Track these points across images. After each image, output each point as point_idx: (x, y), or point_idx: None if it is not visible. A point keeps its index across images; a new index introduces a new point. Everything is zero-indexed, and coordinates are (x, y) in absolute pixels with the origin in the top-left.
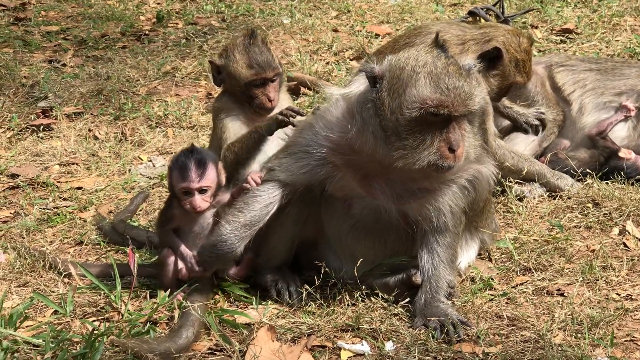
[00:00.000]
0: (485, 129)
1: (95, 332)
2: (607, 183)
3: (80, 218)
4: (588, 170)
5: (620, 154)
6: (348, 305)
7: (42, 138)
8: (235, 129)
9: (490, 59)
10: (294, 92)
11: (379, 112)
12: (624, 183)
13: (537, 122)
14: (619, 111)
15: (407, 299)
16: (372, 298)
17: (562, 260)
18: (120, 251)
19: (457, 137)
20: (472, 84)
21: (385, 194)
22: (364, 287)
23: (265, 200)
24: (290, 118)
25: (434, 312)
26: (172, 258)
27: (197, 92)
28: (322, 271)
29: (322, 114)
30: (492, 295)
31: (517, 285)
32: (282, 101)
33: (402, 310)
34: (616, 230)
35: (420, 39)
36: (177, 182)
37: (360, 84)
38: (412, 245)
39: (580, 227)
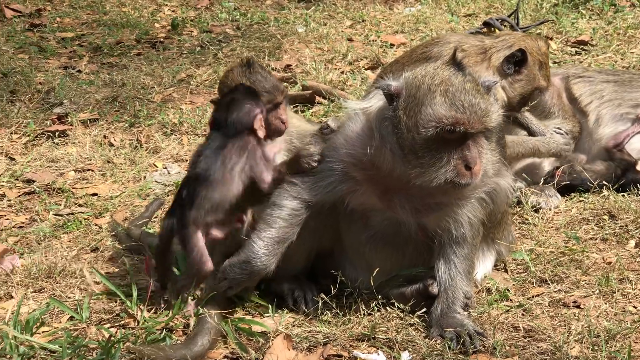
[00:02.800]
0: (503, 144)
1: (112, 338)
2: (623, 195)
3: (96, 224)
4: (604, 182)
5: (638, 167)
6: (364, 314)
7: (57, 144)
8: None
9: (515, 63)
10: (309, 101)
11: (396, 130)
12: None
13: (558, 134)
14: (635, 123)
15: (424, 309)
16: (388, 308)
17: (579, 272)
18: (136, 257)
19: (474, 154)
20: (489, 100)
21: (404, 209)
22: (380, 296)
23: (292, 218)
24: (313, 164)
25: (451, 322)
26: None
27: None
28: (339, 280)
29: (342, 129)
30: (508, 306)
31: (533, 296)
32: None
33: (418, 321)
34: (632, 242)
35: (438, 49)
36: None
37: (379, 99)
38: (429, 256)
39: (596, 239)
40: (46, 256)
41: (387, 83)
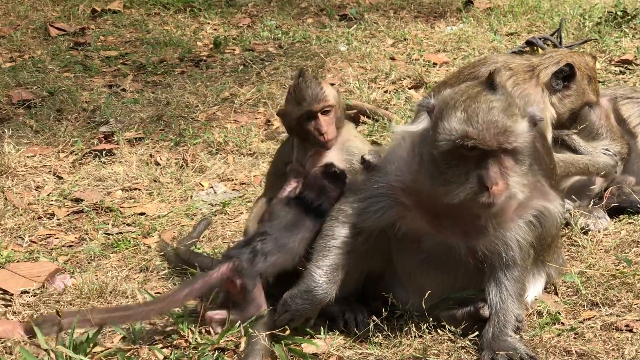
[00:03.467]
0: (552, 168)
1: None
2: None
3: (144, 244)
4: None
5: None
6: (415, 337)
7: (104, 163)
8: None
9: (564, 78)
10: (353, 120)
11: (428, 147)
12: None
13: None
14: None
15: (476, 333)
16: (439, 330)
17: (630, 295)
18: (185, 279)
19: (493, 173)
20: (513, 121)
21: (453, 232)
22: (431, 319)
23: (346, 246)
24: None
25: (502, 346)
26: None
27: (256, 118)
28: (390, 302)
29: (390, 153)
30: (559, 329)
31: (584, 320)
32: (349, 135)
33: (469, 344)
34: None
35: (485, 69)
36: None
37: (423, 121)
38: (480, 279)
39: None
40: (97, 276)
41: (427, 100)
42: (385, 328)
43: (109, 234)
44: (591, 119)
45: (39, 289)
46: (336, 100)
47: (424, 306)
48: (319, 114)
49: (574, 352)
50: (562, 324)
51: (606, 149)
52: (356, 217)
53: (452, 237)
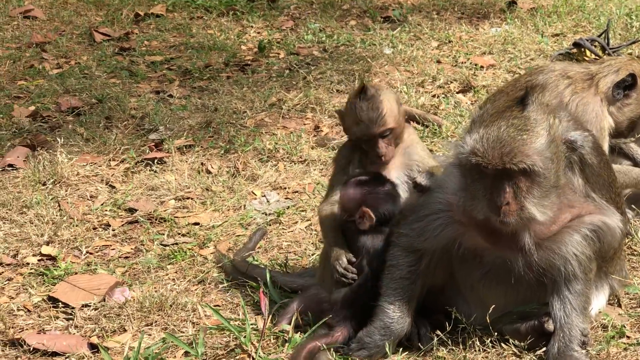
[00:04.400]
0: (611, 182)
1: None
2: None
3: (201, 255)
4: None
5: None
6: (479, 350)
7: (156, 172)
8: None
9: (625, 87)
10: None
11: None
12: None
13: None
14: None
15: (541, 348)
16: (503, 345)
17: None
18: (244, 291)
19: (504, 192)
20: (524, 141)
21: (510, 248)
22: (495, 333)
23: (412, 274)
24: None
25: None
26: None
27: (305, 124)
28: (453, 316)
29: (448, 170)
30: (626, 344)
31: None
32: (410, 140)
33: (534, 358)
34: None
35: (543, 77)
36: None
37: None
38: (544, 292)
39: None
40: (156, 288)
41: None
42: (450, 342)
43: (164, 245)
44: None
45: (99, 302)
46: (396, 120)
47: (488, 320)
48: (378, 138)
49: None
50: (628, 337)
51: None
52: (416, 239)
53: (509, 252)
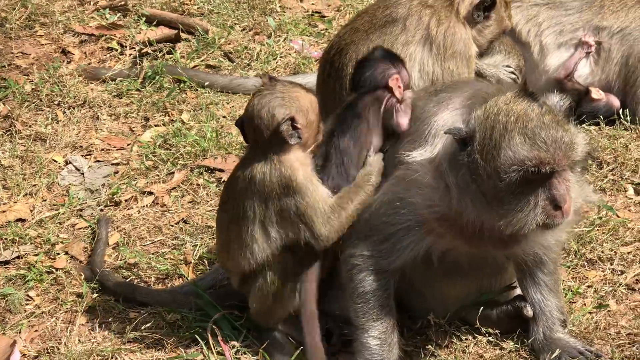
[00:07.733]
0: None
1: None
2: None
3: (59, 269)
4: None
5: (593, 95)
6: (457, 350)
7: None
8: None
9: (484, 9)
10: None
11: (475, 177)
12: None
13: (511, 78)
14: (579, 48)
15: (516, 332)
16: (476, 335)
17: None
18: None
19: (562, 192)
20: (571, 130)
21: (493, 244)
22: (458, 322)
23: (386, 299)
24: None
25: (558, 345)
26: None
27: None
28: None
29: (411, 182)
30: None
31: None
32: None
33: (517, 344)
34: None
35: (403, 10)
36: None
37: (443, 145)
38: (504, 274)
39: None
40: (41, 337)
41: (458, 128)
42: (425, 344)
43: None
44: None
45: None
46: None
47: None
48: None
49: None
50: (585, 297)
51: (507, 65)
52: (384, 260)
53: (492, 248)
